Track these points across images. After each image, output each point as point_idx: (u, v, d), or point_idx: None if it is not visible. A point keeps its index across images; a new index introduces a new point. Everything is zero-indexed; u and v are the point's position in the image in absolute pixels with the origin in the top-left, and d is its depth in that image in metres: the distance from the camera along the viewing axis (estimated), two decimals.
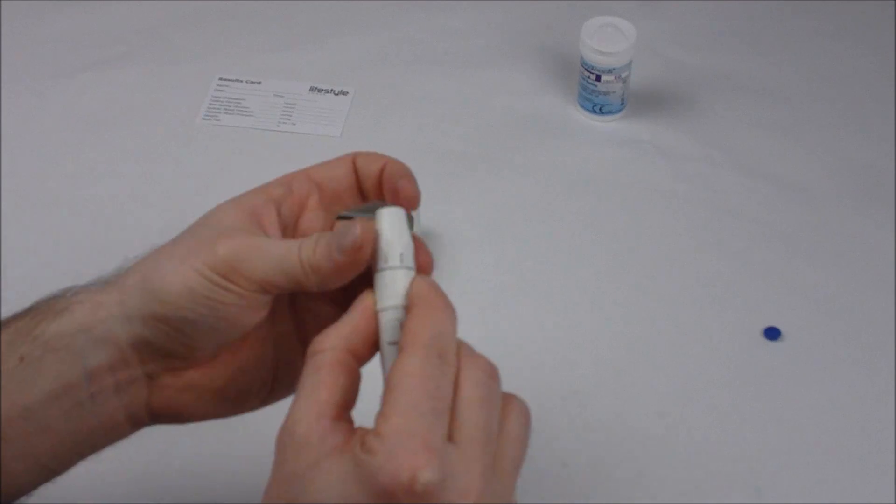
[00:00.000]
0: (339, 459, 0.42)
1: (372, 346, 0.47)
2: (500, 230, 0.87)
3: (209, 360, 0.51)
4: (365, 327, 0.46)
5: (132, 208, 0.89)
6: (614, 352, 0.79)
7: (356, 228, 0.46)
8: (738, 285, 0.83)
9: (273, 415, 0.48)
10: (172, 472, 0.71)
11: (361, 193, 0.53)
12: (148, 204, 0.89)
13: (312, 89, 0.99)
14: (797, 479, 0.71)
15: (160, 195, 0.90)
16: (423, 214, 0.84)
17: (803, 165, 0.92)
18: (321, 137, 0.95)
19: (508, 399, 0.46)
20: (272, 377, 0.53)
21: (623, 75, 0.92)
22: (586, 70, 0.93)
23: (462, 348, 0.45)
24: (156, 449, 0.70)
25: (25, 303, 0.52)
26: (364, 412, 0.45)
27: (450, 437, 0.43)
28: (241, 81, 1.00)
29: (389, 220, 0.48)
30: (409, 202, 0.50)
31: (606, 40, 0.91)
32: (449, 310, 0.46)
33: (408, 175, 0.51)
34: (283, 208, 0.52)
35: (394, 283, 0.47)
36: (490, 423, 0.44)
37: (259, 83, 1.00)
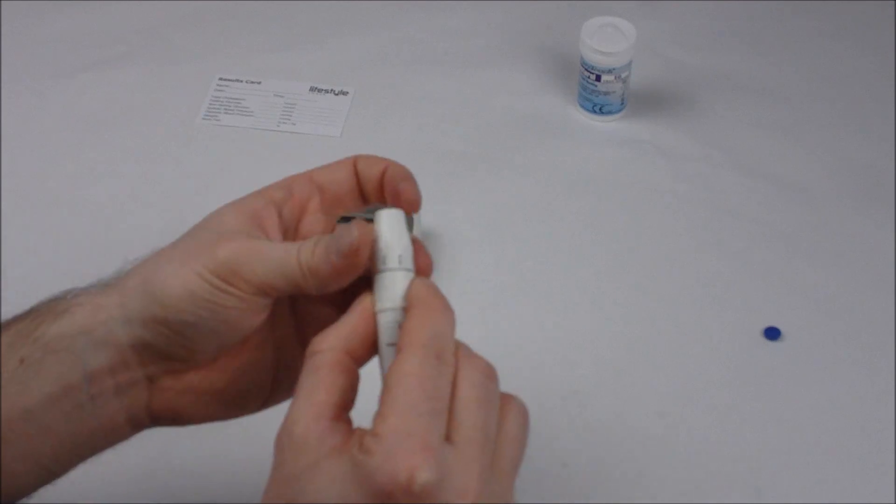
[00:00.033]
0: (337, 460, 0.42)
1: (370, 347, 0.47)
2: (500, 230, 0.87)
3: (209, 363, 0.51)
4: (364, 328, 0.46)
5: (132, 208, 0.89)
6: (614, 352, 0.79)
7: (353, 231, 0.46)
8: (738, 285, 0.83)
9: (272, 415, 0.48)
10: (172, 473, 0.71)
11: (363, 196, 0.53)
12: (148, 204, 0.89)
13: (312, 89, 0.99)
14: (797, 479, 0.71)
15: (160, 195, 0.90)
16: (424, 214, 0.84)
17: (803, 165, 0.92)
18: (321, 137, 0.95)
19: (507, 399, 0.46)
20: (272, 380, 0.53)
21: (623, 75, 0.92)
22: (586, 70, 0.93)
23: (460, 349, 0.45)
24: (156, 449, 0.69)
25: (26, 303, 0.52)
26: (363, 412, 0.45)
27: (448, 438, 0.43)
28: (241, 81, 1.00)
29: (388, 222, 0.48)
30: (411, 205, 0.50)
31: (606, 40, 0.91)
32: (447, 311, 0.46)
33: (409, 178, 0.51)
34: (284, 211, 0.52)
35: (392, 285, 0.47)
36: (488, 423, 0.44)
37: (259, 83, 1.00)
